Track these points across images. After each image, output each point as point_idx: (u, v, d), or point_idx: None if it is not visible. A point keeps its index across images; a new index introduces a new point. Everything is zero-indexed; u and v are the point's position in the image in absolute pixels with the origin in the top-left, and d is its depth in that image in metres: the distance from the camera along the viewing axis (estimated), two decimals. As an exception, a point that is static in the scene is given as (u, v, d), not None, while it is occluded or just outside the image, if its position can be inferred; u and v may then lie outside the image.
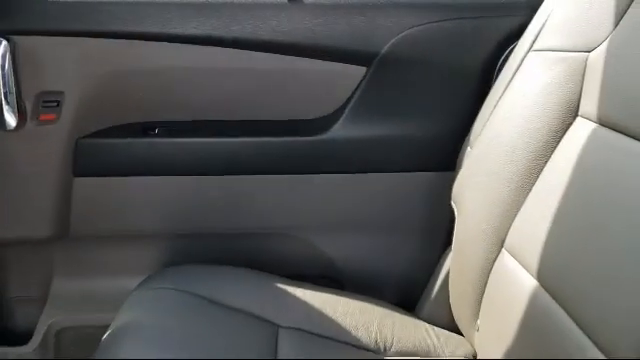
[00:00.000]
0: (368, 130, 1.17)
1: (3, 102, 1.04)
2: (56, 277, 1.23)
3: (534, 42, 0.99)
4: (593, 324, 0.70)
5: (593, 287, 0.72)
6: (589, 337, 0.69)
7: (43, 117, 1.09)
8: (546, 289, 0.80)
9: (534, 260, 0.84)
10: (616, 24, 0.84)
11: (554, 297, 0.79)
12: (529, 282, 0.84)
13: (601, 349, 0.67)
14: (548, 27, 0.97)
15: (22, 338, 1.21)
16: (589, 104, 0.85)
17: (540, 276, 0.82)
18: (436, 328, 1.06)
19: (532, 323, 0.83)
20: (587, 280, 0.73)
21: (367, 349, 0.99)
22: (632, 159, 0.73)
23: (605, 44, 0.84)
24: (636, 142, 0.73)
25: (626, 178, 0.73)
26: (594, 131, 0.83)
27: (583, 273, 0.74)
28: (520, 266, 0.87)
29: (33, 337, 1.20)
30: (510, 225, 0.91)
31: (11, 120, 1.06)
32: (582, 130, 0.85)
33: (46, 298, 1.24)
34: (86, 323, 1.22)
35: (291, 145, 1.17)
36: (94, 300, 1.21)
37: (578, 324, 0.72)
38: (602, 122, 0.82)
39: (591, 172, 0.80)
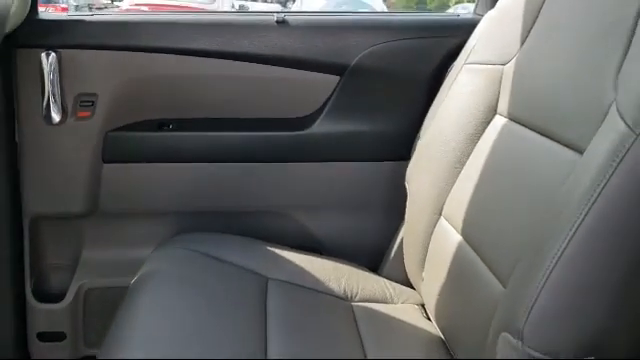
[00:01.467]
0: (342, 127, 1.44)
1: (51, 102, 1.31)
2: (85, 247, 1.49)
3: (468, 57, 1.27)
4: (497, 263, 0.97)
5: (499, 240, 0.99)
6: (495, 275, 0.96)
7: (80, 114, 1.36)
8: (468, 242, 1.08)
9: (461, 222, 1.11)
10: (522, 43, 1.12)
11: (473, 248, 1.06)
12: (457, 238, 1.11)
13: (501, 282, 0.94)
14: (477, 46, 1.25)
15: (57, 297, 1.47)
16: (504, 104, 1.13)
17: (464, 233, 1.10)
18: (393, 283, 1.33)
19: (458, 269, 1.10)
20: (497, 235, 1.00)
21: (338, 297, 1.25)
22: (531, 145, 1.01)
23: (514, 59, 1.12)
24: (535, 133, 1.00)
25: (527, 160, 1.00)
26: (507, 125, 1.11)
27: (494, 230, 1.02)
28: (452, 227, 1.14)
29: (66, 296, 1.46)
30: (446, 198, 1.18)
31: (56, 116, 1.33)
32: (499, 124, 1.13)
33: (77, 264, 1.49)
34: (110, 285, 1.47)
35: (279, 138, 1.44)
36: (117, 266, 1.47)
37: (488, 266, 0.99)
38: (512, 118, 1.09)
39: (504, 155, 1.08)
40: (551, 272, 0.73)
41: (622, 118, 0.74)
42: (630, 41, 0.80)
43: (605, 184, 0.71)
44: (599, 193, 0.71)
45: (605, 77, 0.82)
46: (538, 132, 0.98)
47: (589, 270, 0.72)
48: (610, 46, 0.83)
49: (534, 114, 1.02)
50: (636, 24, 0.81)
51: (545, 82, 1.00)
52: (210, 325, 1.04)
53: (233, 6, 7.61)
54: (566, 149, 0.88)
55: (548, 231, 0.77)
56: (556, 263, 0.72)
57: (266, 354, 1.01)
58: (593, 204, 0.71)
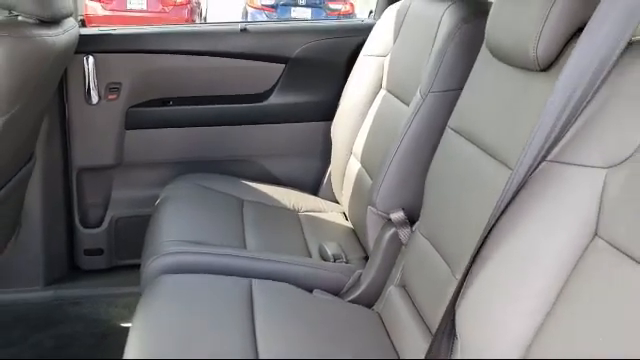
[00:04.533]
0: (287, 99, 2.12)
1: (92, 89, 1.94)
2: (114, 188, 2.13)
3: (365, 50, 1.94)
4: (372, 171, 1.66)
5: (375, 156, 1.68)
6: (370, 179, 1.66)
7: (110, 97, 2.00)
8: (364, 167, 1.77)
9: (360, 154, 1.80)
10: (394, 42, 1.79)
11: (365, 169, 1.75)
12: (358, 165, 1.80)
13: (372, 179, 1.63)
14: (371, 42, 1.93)
15: (96, 224, 2.12)
16: (384, 82, 1.81)
17: (362, 161, 1.79)
18: (326, 200, 2.02)
19: (358, 184, 1.79)
20: (375, 155, 1.70)
21: (289, 210, 1.94)
22: (391, 104, 1.71)
23: (390, 52, 1.80)
24: (399, 101, 1.69)
25: (384, 109, 1.69)
26: (386, 95, 1.79)
27: (375, 152, 1.71)
28: (356, 160, 1.82)
29: (102, 223, 2.11)
30: (355, 140, 1.87)
31: (94, 98, 1.97)
32: (381, 95, 1.81)
33: (109, 201, 2.14)
34: (133, 214, 2.12)
35: (245, 108, 2.11)
36: (137, 201, 2.12)
37: (369, 175, 1.69)
38: (389, 90, 1.78)
39: (385, 111, 1.77)
40: (390, 164, 1.41)
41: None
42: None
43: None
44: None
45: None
46: (400, 100, 1.67)
47: (415, 162, 1.42)
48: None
49: (397, 86, 1.71)
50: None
51: (403, 67, 1.69)
52: (208, 222, 1.70)
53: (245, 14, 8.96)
54: (404, 105, 1.58)
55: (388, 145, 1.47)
56: (393, 158, 1.42)
57: (245, 244, 1.66)
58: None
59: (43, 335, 1.85)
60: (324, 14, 9.33)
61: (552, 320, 0.82)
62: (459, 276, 0.96)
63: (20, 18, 1.44)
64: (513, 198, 0.90)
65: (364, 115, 1.84)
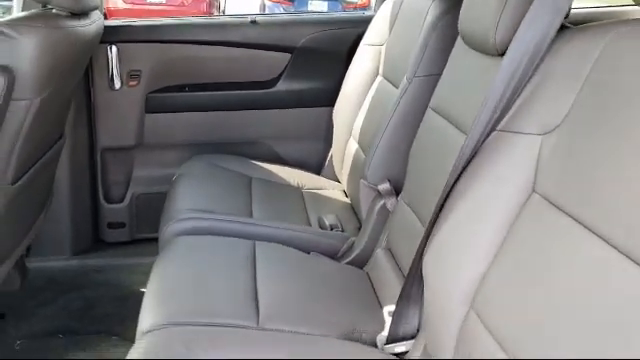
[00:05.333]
0: (293, 86, 2.29)
1: (115, 76, 2.14)
2: (135, 167, 2.33)
3: (365, 40, 2.11)
4: (366, 151, 1.84)
5: (369, 137, 1.85)
6: (364, 155, 1.83)
7: (131, 83, 2.19)
8: (361, 147, 1.94)
9: (358, 135, 1.97)
10: (390, 32, 1.96)
11: (362, 148, 1.92)
12: (356, 146, 1.97)
13: (364, 153, 1.80)
14: (369, 31, 2.09)
15: (119, 200, 2.32)
16: (381, 69, 1.98)
17: (359, 142, 1.96)
18: (328, 179, 2.20)
19: (355, 163, 1.96)
20: (370, 137, 1.87)
21: (294, 187, 2.11)
22: (384, 86, 1.88)
23: (386, 42, 1.96)
24: (391, 86, 1.86)
25: (378, 93, 1.85)
26: (382, 81, 1.96)
27: (370, 133, 1.88)
28: (354, 141, 1.99)
29: (124, 199, 2.31)
30: (353, 124, 2.04)
31: (117, 84, 2.16)
32: (379, 81, 1.97)
33: (130, 179, 2.33)
34: (151, 191, 2.31)
35: (255, 94, 2.29)
36: (155, 179, 2.31)
37: (364, 154, 1.86)
38: (385, 77, 1.94)
39: (380, 96, 1.94)
40: (380, 141, 1.57)
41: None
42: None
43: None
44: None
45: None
46: (393, 84, 1.84)
47: (401, 140, 1.58)
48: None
49: (391, 72, 1.86)
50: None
51: (396, 55, 1.85)
52: (220, 195, 1.88)
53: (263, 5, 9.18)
54: (395, 89, 1.75)
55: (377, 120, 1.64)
56: (382, 136, 1.59)
57: (252, 215, 1.85)
58: None
59: (72, 297, 2.06)
60: (340, 7, 9.48)
61: (495, 266, 0.99)
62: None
63: (54, 11, 1.63)
64: (469, 162, 1.06)
65: (362, 100, 2.01)
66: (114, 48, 2.12)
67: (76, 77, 1.92)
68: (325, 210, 1.95)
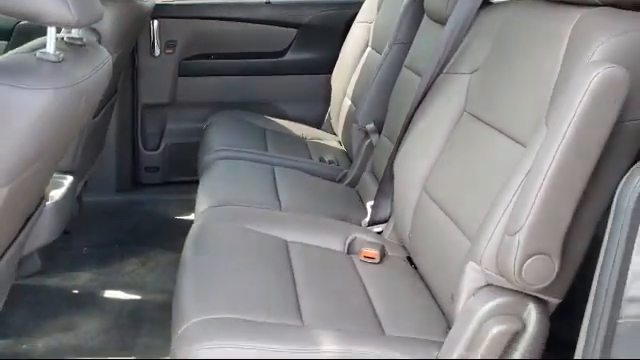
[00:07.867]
0: (299, 56, 2.81)
1: (155, 45, 2.64)
2: (168, 121, 2.84)
3: (358, 18, 2.62)
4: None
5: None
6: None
7: (167, 51, 2.70)
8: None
9: (355, 99, 2.48)
10: (378, 10, 2.47)
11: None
12: (348, 102, 2.48)
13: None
14: (361, 12, 2.60)
15: (155, 147, 2.83)
16: (370, 41, 2.49)
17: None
18: (326, 132, 2.71)
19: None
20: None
21: (297, 136, 2.62)
22: (372, 56, 2.39)
23: (375, 19, 2.48)
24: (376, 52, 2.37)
25: (365, 65, 2.37)
26: (371, 52, 2.47)
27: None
28: (350, 102, 2.51)
29: (159, 147, 2.82)
30: (348, 85, 2.54)
31: (157, 52, 2.67)
32: (367, 51, 2.49)
33: (164, 130, 2.84)
34: (182, 141, 2.82)
35: (267, 62, 2.81)
36: (185, 131, 2.81)
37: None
38: (373, 47, 2.46)
39: (368, 60, 2.45)
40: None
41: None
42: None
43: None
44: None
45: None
46: (378, 53, 2.35)
47: (383, 91, 2.10)
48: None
49: (378, 43, 2.38)
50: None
51: (381, 28, 2.36)
52: (241, 139, 2.39)
53: None
54: (379, 55, 2.27)
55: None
56: (369, 89, 2.10)
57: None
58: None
59: (119, 221, 2.57)
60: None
61: (439, 161, 1.50)
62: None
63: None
64: (424, 95, 1.58)
65: (355, 67, 2.53)
66: (155, 22, 2.63)
67: (133, 42, 2.42)
68: (324, 152, 2.47)
